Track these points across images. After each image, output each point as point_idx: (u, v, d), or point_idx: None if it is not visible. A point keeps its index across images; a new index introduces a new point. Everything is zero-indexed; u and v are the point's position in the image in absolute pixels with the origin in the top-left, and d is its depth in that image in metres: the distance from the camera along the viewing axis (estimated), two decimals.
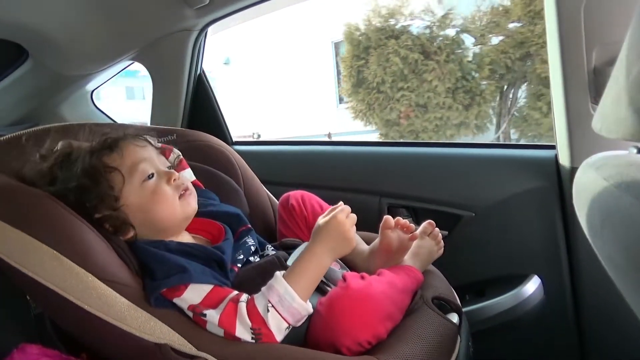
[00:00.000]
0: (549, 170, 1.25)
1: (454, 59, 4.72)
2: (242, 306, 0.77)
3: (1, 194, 0.80)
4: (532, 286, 1.26)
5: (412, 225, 1.00)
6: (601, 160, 0.57)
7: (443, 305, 0.93)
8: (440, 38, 4.76)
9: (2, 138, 0.95)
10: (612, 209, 0.48)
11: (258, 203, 1.26)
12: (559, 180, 1.24)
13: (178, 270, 0.80)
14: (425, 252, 1.04)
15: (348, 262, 1.05)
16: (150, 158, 0.91)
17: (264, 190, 1.31)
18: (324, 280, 0.92)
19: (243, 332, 0.76)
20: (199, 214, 0.97)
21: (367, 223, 1.11)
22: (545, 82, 4.48)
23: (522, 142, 4.71)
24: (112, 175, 0.86)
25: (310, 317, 0.81)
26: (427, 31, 4.80)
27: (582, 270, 1.21)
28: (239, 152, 1.37)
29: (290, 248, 1.00)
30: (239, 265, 0.93)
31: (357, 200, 1.51)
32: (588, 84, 1.07)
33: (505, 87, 4.80)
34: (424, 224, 1.07)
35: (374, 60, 4.95)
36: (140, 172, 0.88)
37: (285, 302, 0.77)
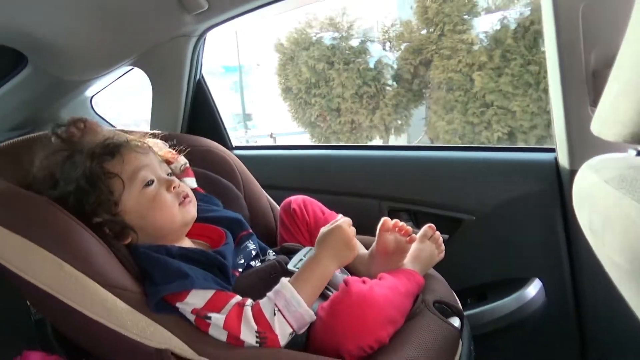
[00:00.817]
0: (549, 173, 1.25)
1: (352, 68, 5.34)
2: (248, 310, 0.78)
3: (2, 200, 0.80)
4: (533, 289, 1.25)
5: (409, 228, 1.00)
6: (601, 163, 0.57)
7: (444, 309, 0.93)
8: (346, 48, 5.54)
9: (2, 144, 0.95)
10: (613, 211, 0.48)
11: (258, 208, 1.26)
12: (559, 183, 1.24)
13: (179, 276, 0.80)
14: (426, 256, 1.04)
15: (348, 267, 1.05)
16: (151, 164, 0.91)
17: (264, 195, 1.31)
18: None
19: (248, 335, 0.76)
20: (199, 219, 0.97)
21: (368, 227, 1.11)
22: (438, 85, 4.88)
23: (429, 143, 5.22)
24: (112, 181, 0.86)
25: (311, 323, 0.81)
26: (335, 42, 5.53)
27: (584, 273, 1.21)
28: (239, 156, 1.37)
29: (290, 252, 1.00)
30: (240, 270, 0.93)
31: (358, 204, 1.51)
32: (587, 86, 1.07)
33: (421, 91, 5.33)
34: (424, 228, 1.07)
35: (291, 70, 5.74)
36: (141, 178, 0.88)
37: (292, 307, 0.78)
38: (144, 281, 0.83)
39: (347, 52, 5.33)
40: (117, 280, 0.78)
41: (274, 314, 0.77)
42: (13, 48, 1.54)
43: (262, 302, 0.79)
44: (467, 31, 4.53)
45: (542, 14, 1.12)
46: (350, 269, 1.05)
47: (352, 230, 0.87)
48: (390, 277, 0.90)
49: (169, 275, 0.80)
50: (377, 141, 5.55)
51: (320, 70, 5.41)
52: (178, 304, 0.79)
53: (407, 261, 1.01)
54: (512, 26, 4.32)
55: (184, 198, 0.92)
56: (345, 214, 1.14)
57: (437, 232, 1.07)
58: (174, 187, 0.91)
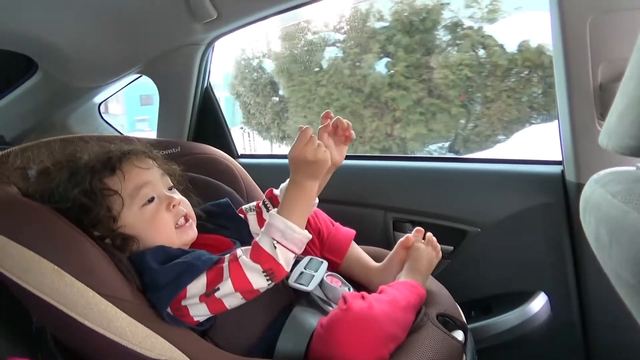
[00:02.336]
0: (556, 186, 1.25)
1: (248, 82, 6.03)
2: (243, 259, 0.80)
3: (2, 208, 0.80)
4: (539, 303, 1.24)
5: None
6: (608, 177, 0.57)
7: (448, 322, 0.92)
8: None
9: (3, 152, 0.95)
10: (620, 225, 0.48)
11: None
12: (565, 196, 1.23)
13: (176, 276, 0.80)
14: (425, 263, 1.02)
15: (357, 277, 1.06)
16: (152, 181, 0.91)
17: None
18: (325, 299, 0.91)
19: (257, 279, 0.79)
20: (210, 232, 0.97)
21: (373, 237, 1.10)
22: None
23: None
24: (111, 199, 0.86)
25: (310, 338, 0.80)
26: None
27: (590, 287, 1.20)
28: (244, 165, 1.37)
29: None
30: None
31: (363, 215, 1.50)
32: (594, 100, 1.06)
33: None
34: (407, 236, 1.06)
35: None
36: (141, 196, 0.89)
37: (288, 235, 0.80)
38: (147, 292, 0.82)
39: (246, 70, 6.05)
40: (117, 290, 0.77)
41: (274, 247, 0.79)
42: (23, 54, 1.56)
43: (259, 240, 0.81)
44: None
45: (550, 26, 1.12)
46: (359, 280, 1.06)
47: (311, 142, 0.83)
48: (391, 291, 0.89)
49: (167, 279, 0.80)
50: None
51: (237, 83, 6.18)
52: (183, 302, 0.79)
53: (407, 272, 1.00)
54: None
55: (185, 220, 0.93)
56: (350, 225, 1.15)
57: (429, 233, 1.07)
58: (174, 206, 0.91)
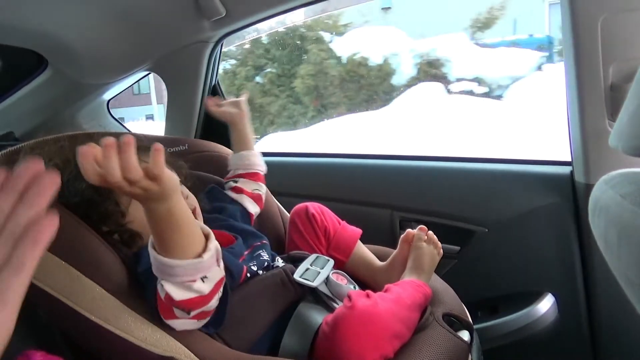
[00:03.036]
0: (565, 187, 1.24)
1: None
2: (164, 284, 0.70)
3: None
4: (546, 304, 1.23)
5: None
6: (618, 178, 0.56)
7: (454, 322, 0.92)
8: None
9: (13, 149, 0.96)
10: (630, 226, 0.47)
11: (268, 214, 1.26)
12: (574, 197, 1.22)
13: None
14: (427, 261, 1.02)
15: (362, 276, 1.06)
16: None
17: (274, 201, 1.31)
18: (330, 295, 0.91)
19: (179, 311, 0.71)
20: (212, 227, 0.97)
21: (379, 236, 1.10)
22: None
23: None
24: (119, 193, 0.86)
25: (315, 334, 0.80)
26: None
27: (598, 288, 1.19)
28: None
29: (297, 261, 0.99)
30: (249, 274, 0.93)
31: (369, 214, 1.50)
32: (605, 100, 1.05)
33: None
34: (408, 230, 1.07)
35: None
36: None
37: (166, 270, 0.68)
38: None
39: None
40: (124, 286, 0.78)
41: (162, 285, 0.69)
42: (33, 51, 1.57)
43: None
44: None
45: (561, 25, 1.11)
46: (366, 280, 1.06)
47: (126, 160, 0.56)
48: (396, 289, 0.89)
49: (147, 279, 0.77)
50: None
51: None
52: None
53: (411, 272, 1.00)
54: None
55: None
56: (356, 224, 1.15)
57: (430, 232, 1.07)
58: None
